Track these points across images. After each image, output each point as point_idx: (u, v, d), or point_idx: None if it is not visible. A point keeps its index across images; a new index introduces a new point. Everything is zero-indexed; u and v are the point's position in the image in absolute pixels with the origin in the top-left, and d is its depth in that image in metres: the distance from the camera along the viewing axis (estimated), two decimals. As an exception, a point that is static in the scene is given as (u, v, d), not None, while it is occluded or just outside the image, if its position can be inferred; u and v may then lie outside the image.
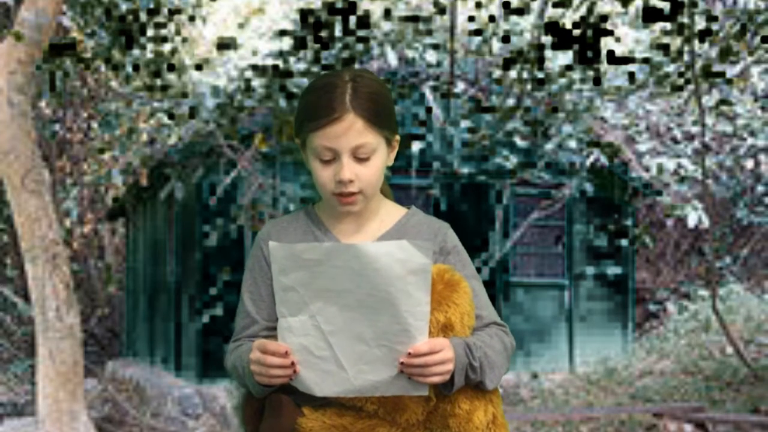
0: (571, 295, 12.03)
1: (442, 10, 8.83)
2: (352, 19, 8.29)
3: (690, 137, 13.82)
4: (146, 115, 11.87)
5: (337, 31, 8.37)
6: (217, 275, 10.02)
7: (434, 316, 1.63)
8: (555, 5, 8.23)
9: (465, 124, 10.51)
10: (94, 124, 14.93)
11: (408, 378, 1.59)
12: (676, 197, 12.96)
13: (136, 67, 8.85)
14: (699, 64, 8.47)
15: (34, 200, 6.86)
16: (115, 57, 8.68)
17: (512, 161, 10.81)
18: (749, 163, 14.85)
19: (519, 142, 10.72)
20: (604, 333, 12.14)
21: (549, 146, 10.99)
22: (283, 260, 1.59)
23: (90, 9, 8.56)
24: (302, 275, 1.59)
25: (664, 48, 8.67)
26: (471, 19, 10.04)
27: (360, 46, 8.84)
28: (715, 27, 8.27)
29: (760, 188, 15.00)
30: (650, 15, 8.14)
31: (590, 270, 12.17)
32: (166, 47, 8.82)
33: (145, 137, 12.81)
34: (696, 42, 8.21)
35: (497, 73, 10.33)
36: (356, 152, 1.70)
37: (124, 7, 8.37)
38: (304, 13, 8.40)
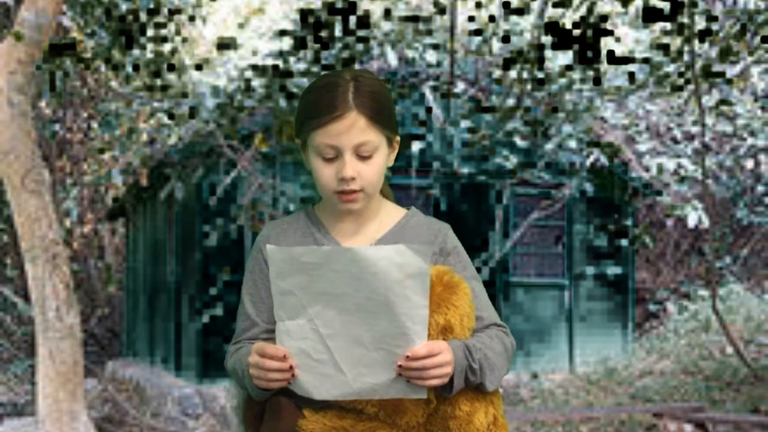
0: (571, 295, 12.03)
1: (442, 10, 8.83)
2: (352, 19, 8.29)
3: (690, 137, 13.82)
4: (146, 115, 11.87)
5: (337, 31, 8.36)
6: (217, 275, 10.02)
7: (434, 319, 1.63)
8: (555, 5, 8.23)
9: (465, 124, 10.51)
10: (94, 124, 14.93)
11: (407, 381, 1.59)
12: (676, 197, 12.96)
13: (136, 67, 8.85)
14: (699, 64, 8.47)
15: (34, 200, 6.86)
16: (115, 57, 8.68)
17: (512, 161, 10.81)
18: (749, 163, 14.85)
19: (519, 142, 10.72)
20: (604, 333, 12.14)
21: (549, 146, 10.99)
22: (280, 264, 1.59)
23: (90, 9, 8.56)
24: (300, 279, 1.59)
25: (664, 48, 8.67)
26: (471, 19, 10.04)
27: (360, 46, 8.84)
28: (715, 27, 8.27)
29: (760, 188, 15.00)
30: (650, 15, 8.14)
31: (590, 270, 12.17)
32: (166, 47, 8.82)
33: (145, 137, 12.81)
34: (696, 42, 8.21)
35: (497, 73, 10.33)
36: (358, 150, 1.70)
37: (124, 7, 8.37)
38: (304, 13, 8.40)
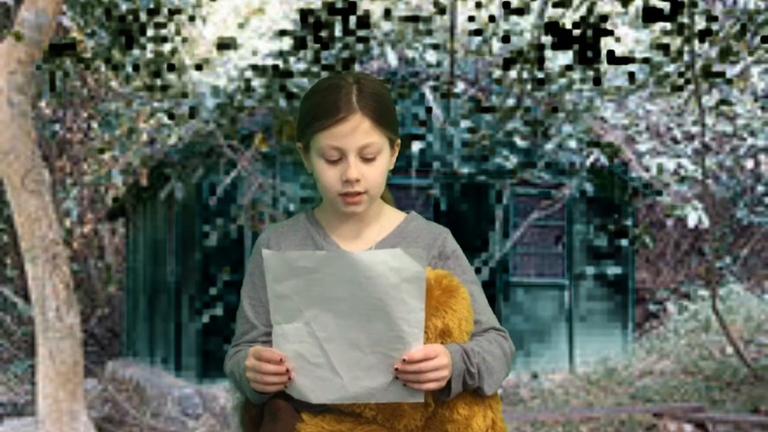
0: (571, 295, 12.03)
1: (442, 10, 8.83)
2: (352, 19, 8.29)
3: (690, 137, 13.82)
4: (146, 115, 11.87)
5: (337, 31, 8.36)
6: (217, 275, 10.02)
7: (432, 322, 1.63)
8: (555, 5, 8.22)
9: (465, 124, 10.51)
10: (94, 124, 14.93)
11: (403, 384, 1.58)
12: (676, 197, 12.96)
13: (136, 67, 8.85)
14: (699, 64, 8.47)
15: (34, 200, 6.86)
16: (115, 57, 8.68)
17: (512, 161, 10.80)
18: (749, 163, 14.85)
19: (519, 142, 10.72)
20: (604, 333, 12.14)
21: (549, 146, 10.99)
22: (276, 268, 1.59)
23: (90, 9, 8.56)
24: (297, 283, 1.59)
25: (664, 48, 8.67)
26: (471, 19, 10.04)
27: (360, 46, 8.83)
28: (715, 27, 8.26)
29: (760, 188, 15.00)
30: (650, 15, 8.14)
31: (590, 270, 12.17)
32: (166, 47, 8.82)
33: (145, 137, 12.81)
34: (696, 42, 8.21)
35: (497, 73, 10.32)
36: (362, 152, 1.71)
37: (124, 7, 8.37)
38: (304, 13, 8.40)
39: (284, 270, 1.59)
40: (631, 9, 9.21)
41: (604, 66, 9.59)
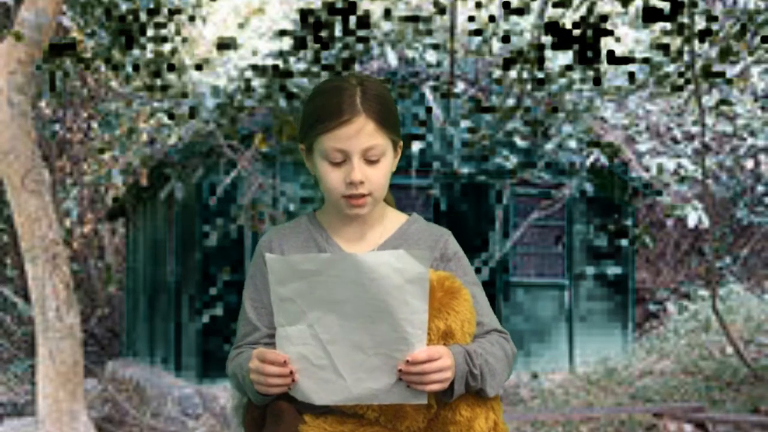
0: (571, 295, 12.03)
1: (442, 10, 8.82)
2: (352, 19, 8.28)
3: (690, 137, 13.82)
4: (146, 115, 11.87)
5: (337, 31, 8.36)
6: (217, 275, 10.02)
7: (434, 324, 1.63)
8: (555, 5, 8.22)
9: (465, 124, 10.50)
10: (94, 124, 14.93)
11: (407, 386, 1.59)
12: (676, 197, 12.96)
13: (136, 67, 8.84)
14: (699, 64, 8.47)
15: (34, 200, 6.86)
16: (115, 57, 8.68)
17: (512, 161, 10.80)
18: (749, 163, 14.85)
19: (519, 142, 10.72)
20: (604, 333, 12.14)
21: (549, 146, 10.98)
22: (280, 272, 1.59)
23: (90, 9, 8.55)
24: (300, 286, 1.59)
25: (664, 48, 8.66)
26: (471, 19, 10.03)
27: (360, 46, 8.83)
28: (715, 27, 8.26)
29: (760, 188, 15.00)
30: (650, 15, 8.13)
31: (590, 270, 12.17)
32: (166, 47, 8.81)
33: (145, 137, 12.81)
34: (696, 42, 8.20)
35: (497, 73, 10.32)
36: (366, 154, 1.71)
37: (124, 7, 8.37)
38: (304, 13, 8.39)
39: (287, 273, 1.59)
40: (631, 9, 9.21)
41: (604, 66, 9.59)
